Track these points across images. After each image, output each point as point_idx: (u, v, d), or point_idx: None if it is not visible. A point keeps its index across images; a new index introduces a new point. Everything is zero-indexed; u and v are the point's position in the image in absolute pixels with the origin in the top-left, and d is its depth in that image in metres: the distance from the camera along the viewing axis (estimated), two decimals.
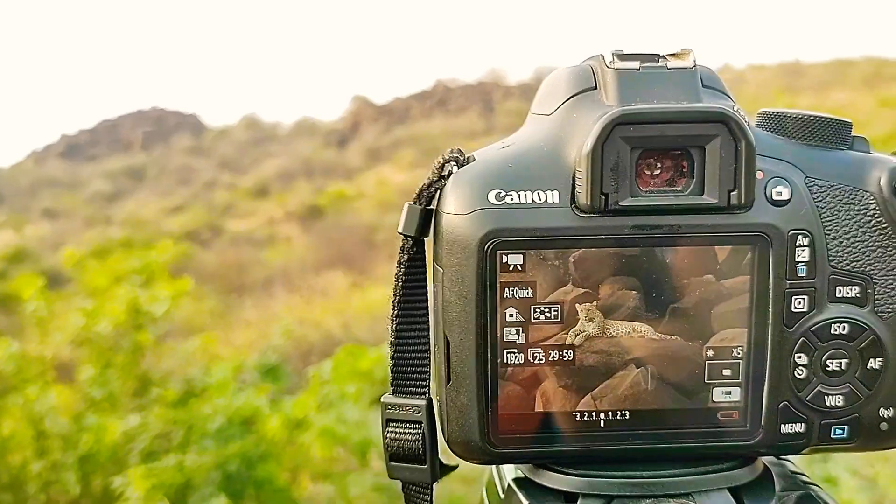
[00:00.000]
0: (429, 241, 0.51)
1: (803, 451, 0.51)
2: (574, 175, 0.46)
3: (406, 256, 0.51)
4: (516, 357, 0.48)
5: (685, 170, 0.47)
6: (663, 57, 0.48)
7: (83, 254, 3.69)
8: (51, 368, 3.40)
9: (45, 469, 3.08)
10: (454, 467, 0.54)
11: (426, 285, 0.51)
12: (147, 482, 2.62)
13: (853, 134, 0.50)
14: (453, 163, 0.48)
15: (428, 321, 0.51)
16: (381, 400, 0.53)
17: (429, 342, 0.51)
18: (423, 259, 0.51)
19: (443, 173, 0.49)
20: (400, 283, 0.51)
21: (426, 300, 0.51)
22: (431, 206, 0.50)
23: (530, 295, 0.48)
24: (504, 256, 0.47)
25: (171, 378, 3.38)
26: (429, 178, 0.49)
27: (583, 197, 0.46)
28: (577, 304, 0.48)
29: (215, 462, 2.88)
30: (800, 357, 0.49)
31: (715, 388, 0.49)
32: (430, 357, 0.51)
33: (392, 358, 0.52)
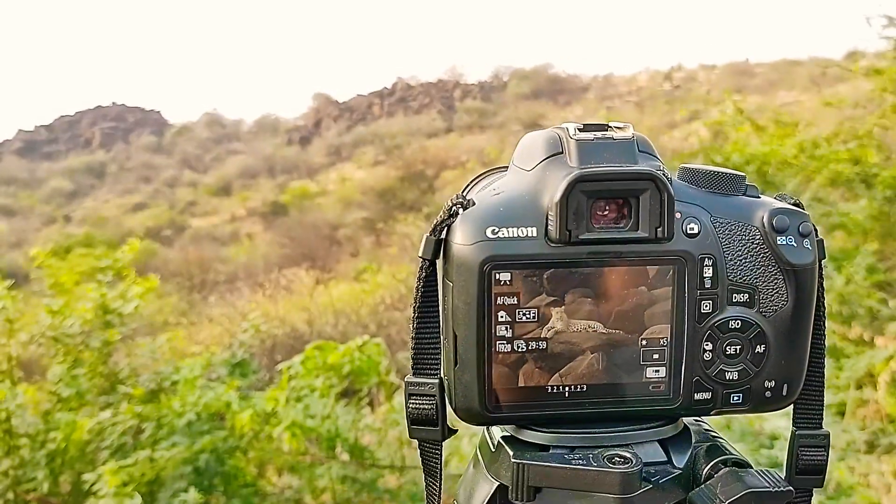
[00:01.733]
0: (439, 262, 0.65)
1: (711, 413, 0.66)
2: (547, 216, 0.60)
3: (424, 274, 0.65)
4: (505, 346, 0.62)
5: (626, 213, 0.61)
6: (611, 128, 0.63)
7: (48, 252, 3.68)
8: (17, 367, 3.41)
9: (13, 466, 3.10)
10: (455, 431, 0.69)
11: (437, 294, 0.66)
12: (118, 478, 2.66)
13: (746, 183, 0.65)
14: (459, 206, 0.62)
15: (439, 320, 0.66)
16: (405, 380, 0.67)
17: (439, 336, 0.66)
18: (435, 275, 0.66)
19: (451, 213, 0.63)
20: (419, 294, 0.66)
21: (437, 305, 0.66)
22: (442, 237, 0.64)
23: (516, 302, 0.61)
24: (497, 275, 0.61)
25: (139, 375, 3.40)
26: (440, 217, 0.63)
27: (553, 232, 0.60)
28: (549, 308, 0.62)
29: (185, 457, 2.93)
30: (707, 345, 0.63)
31: (647, 368, 0.64)
32: (440, 347, 0.67)
33: (413, 348, 0.67)
